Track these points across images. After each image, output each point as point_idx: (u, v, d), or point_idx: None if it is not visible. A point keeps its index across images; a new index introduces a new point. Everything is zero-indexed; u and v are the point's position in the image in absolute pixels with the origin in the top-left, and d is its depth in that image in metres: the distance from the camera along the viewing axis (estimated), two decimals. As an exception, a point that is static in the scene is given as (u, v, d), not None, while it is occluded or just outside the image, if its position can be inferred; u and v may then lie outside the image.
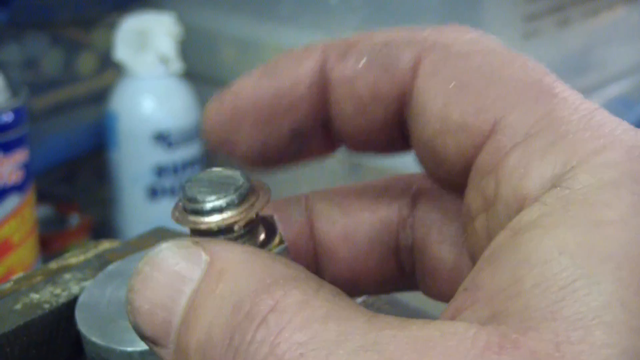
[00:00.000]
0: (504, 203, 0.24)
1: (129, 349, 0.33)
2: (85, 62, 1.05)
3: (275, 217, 0.29)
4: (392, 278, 0.32)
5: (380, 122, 0.29)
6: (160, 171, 0.98)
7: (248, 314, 0.23)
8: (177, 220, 0.27)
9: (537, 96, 0.25)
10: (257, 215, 0.27)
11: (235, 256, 0.25)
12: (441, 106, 0.26)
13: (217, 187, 0.27)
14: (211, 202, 0.27)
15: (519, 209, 0.24)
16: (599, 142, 0.24)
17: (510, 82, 0.26)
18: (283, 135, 0.30)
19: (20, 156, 0.81)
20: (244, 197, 0.27)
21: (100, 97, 1.02)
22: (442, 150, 0.27)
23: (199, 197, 0.27)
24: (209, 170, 0.28)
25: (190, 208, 0.27)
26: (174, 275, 0.25)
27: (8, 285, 0.38)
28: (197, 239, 0.26)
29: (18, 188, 0.82)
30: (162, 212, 0.99)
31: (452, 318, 0.23)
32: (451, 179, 0.28)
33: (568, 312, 0.20)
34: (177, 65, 0.99)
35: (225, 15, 1.08)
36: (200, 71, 1.08)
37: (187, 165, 1.00)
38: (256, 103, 0.30)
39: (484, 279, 0.22)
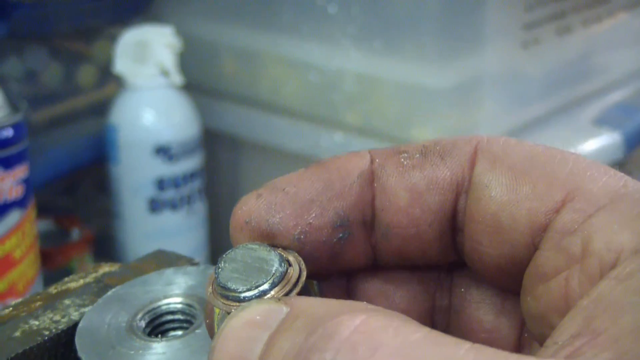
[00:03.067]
0: (598, 257, 0.26)
1: (129, 376, 0.33)
2: (86, 75, 1.05)
3: (316, 285, 0.29)
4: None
5: (434, 212, 0.30)
6: (161, 184, 0.98)
7: (324, 336, 0.23)
8: (210, 299, 0.27)
9: (609, 173, 0.28)
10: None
11: (314, 301, 0.25)
12: (509, 181, 0.29)
13: (251, 274, 0.27)
14: (243, 293, 0.27)
15: (614, 261, 0.25)
16: None
17: (577, 163, 0.28)
18: (326, 225, 0.30)
19: (20, 171, 0.81)
20: (277, 284, 0.27)
21: (101, 109, 1.02)
22: (508, 221, 0.28)
23: (232, 285, 0.27)
24: (245, 247, 0.28)
25: (223, 294, 0.27)
26: (254, 326, 0.25)
27: (7, 310, 0.37)
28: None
29: (19, 203, 0.81)
30: (163, 224, 0.99)
31: None
32: (512, 253, 0.29)
33: None
34: (177, 77, 0.99)
35: (224, 27, 1.07)
36: (200, 82, 1.08)
37: (188, 177, 0.99)
38: (300, 191, 0.30)
39: (603, 324, 0.23)
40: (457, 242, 0.31)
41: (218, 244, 1.08)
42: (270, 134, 1.03)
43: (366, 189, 0.30)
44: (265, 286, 0.27)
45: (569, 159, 0.29)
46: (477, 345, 0.22)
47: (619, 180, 0.28)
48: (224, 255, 0.28)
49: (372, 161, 0.30)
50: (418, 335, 0.23)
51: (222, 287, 0.27)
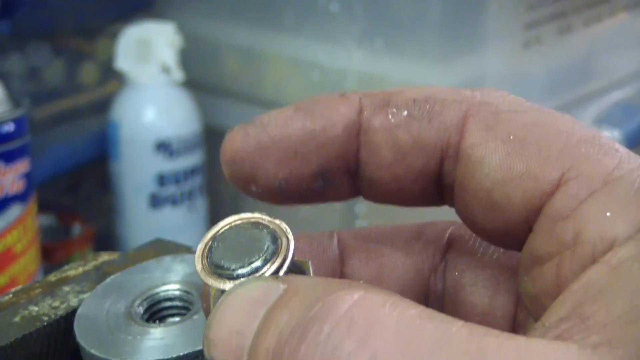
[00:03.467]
0: (591, 244, 0.26)
1: (127, 361, 0.33)
2: (88, 72, 1.05)
3: (310, 264, 0.29)
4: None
5: (417, 172, 0.30)
6: (163, 180, 0.98)
7: (323, 309, 0.23)
8: (202, 276, 0.28)
9: (603, 150, 0.27)
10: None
11: (312, 279, 0.26)
12: (503, 157, 0.28)
13: (243, 251, 0.27)
14: (236, 271, 0.27)
15: (607, 249, 0.25)
16: None
17: (571, 136, 0.28)
18: (308, 174, 0.30)
19: (22, 166, 0.81)
20: (268, 262, 0.27)
21: (103, 106, 1.02)
22: (502, 201, 0.28)
23: (225, 263, 0.27)
24: (236, 223, 0.28)
25: (216, 272, 0.27)
26: (251, 302, 0.25)
27: (7, 297, 0.38)
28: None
29: (20, 198, 0.82)
30: (165, 220, 0.99)
31: None
32: (506, 229, 0.29)
33: None
34: (178, 74, 0.99)
35: (226, 24, 1.08)
36: (201, 80, 1.08)
37: (188, 173, 1.00)
38: (285, 139, 0.30)
39: (592, 309, 0.24)
40: (447, 199, 0.31)
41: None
42: (272, 131, 1.03)
43: (351, 140, 0.30)
44: (258, 263, 0.27)
45: (562, 131, 0.28)
46: (470, 323, 0.23)
47: (613, 158, 0.27)
48: (215, 234, 0.28)
49: (360, 111, 0.30)
50: (414, 311, 0.23)
51: (215, 265, 0.27)
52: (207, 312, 0.30)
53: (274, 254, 0.27)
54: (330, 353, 0.23)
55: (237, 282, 0.27)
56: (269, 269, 0.27)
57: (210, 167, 1.05)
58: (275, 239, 0.28)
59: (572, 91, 1.08)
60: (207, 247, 0.28)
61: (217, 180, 1.10)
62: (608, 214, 0.26)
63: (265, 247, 0.27)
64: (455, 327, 0.22)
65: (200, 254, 0.28)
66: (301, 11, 1.00)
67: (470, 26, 0.94)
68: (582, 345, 0.23)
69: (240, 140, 0.30)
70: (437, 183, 0.30)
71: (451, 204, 0.31)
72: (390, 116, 0.30)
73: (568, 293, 0.25)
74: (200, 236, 0.95)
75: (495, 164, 0.28)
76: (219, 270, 0.27)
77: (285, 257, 0.27)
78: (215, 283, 0.27)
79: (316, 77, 1.00)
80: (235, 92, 1.07)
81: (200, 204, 1.02)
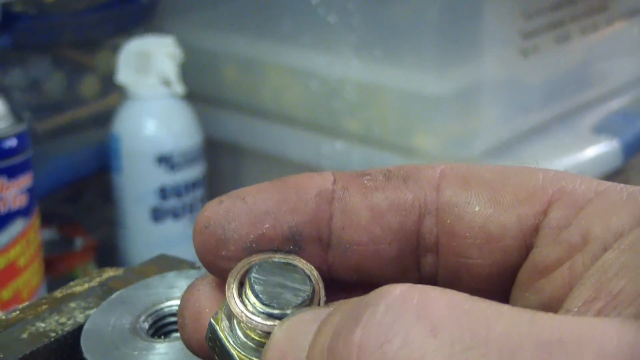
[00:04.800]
0: (600, 240, 0.27)
1: (133, 376, 0.33)
2: (88, 85, 1.05)
3: (321, 286, 0.30)
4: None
5: (395, 232, 0.31)
6: (164, 194, 0.99)
7: (375, 297, 0.24)
8: (240, 315, 0.28)
9: (579, 177, 0.30)
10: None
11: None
12: (488, 196, 0.30)
13: (281, 291, 0.28)
14: (280, 310, 0.28)
15: (617, 239, 0.27)
16: None
17: (546, 173, 0.30)
18: (279, 236, 0.30)
19: (24, 181, 0.82)
20: (311, 297, 0.29)
21: (104, 119, 1.03)
22: (497, 230, 0.30)
23: (268, 303, 0.28)
24: (264, 269, 0.29)
25: (263, 312, 0.28)
26: (302, 323, 0.26)
27: (14, 314, 0.38)
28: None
29: (23, 212, 0.82)
30: (166, 233, 1.00)
31: None
32: (504, 257, 0.30)
33: None
34: (179, 87, 0.99)
35: (225, 36, 1.08)
36: (201, 92, 1.09)
37: (189, 186, 1.00)
38: (258, 202, 0.31)
39: (619, 285, 0.25)
40: (424, 264, 0.31)
41: (220, 252, 1.08)
42: (272, 142, 1.04)
43: (324, 207, 0.31)
44: (302, 300, 0.28)
45: (536, 171, 0.30)
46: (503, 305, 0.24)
47: (592, 181, 0.29)
48: (244, 273, 0.29)
49: (334, 182, 0.31)
50: (463, 294, 0.24)
51: (263, 304, 0.28)
52: (182, 328, 0.31)
53: (313, 291, 0.29)
54: (387, 331, 0.23)
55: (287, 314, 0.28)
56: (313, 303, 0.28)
57: (211, 179, 1.05)
58: (306, 278, 0.29)
59: (570, 99, 1.08)
60: (236, 288, 0.29)
61: (218, 193, 1.10)
62: (610, 210, 0.27)
63: (305, 284, 0.29)
64: (506, 306, 0.23)
65: (233, 294, 0.29)
66: (299, 21, 1.01)
67: (467, 35, 0.95)
68: (623, 317, 0.23)
69: (213, 208, 0.31)
70: (414, 244, 0.31)
71: (430, 268, 0.31)
72: (365, 181, 0.31)
73: (585, 280, 0.26)
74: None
75: (483, 202, 0.30)
76: (267, 310, 0.28)
77: (322, 291, 0.29)
78: (264, 326, 0.28)
79: (315, 86, 1.00)
80: (234, 102, 1.08)
81: (202, 216, 1.02)
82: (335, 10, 0.97)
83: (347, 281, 0.32)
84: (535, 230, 0.29)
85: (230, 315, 0.29)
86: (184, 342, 0.31)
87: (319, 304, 0.29)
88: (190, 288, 0.31)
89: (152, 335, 0.36)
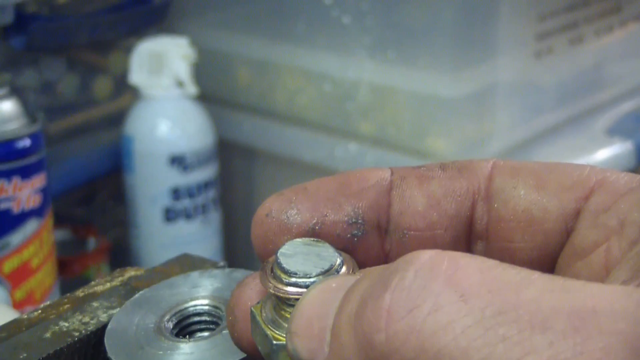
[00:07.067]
0: (637, 226, 0.27)
1: (158, 376, 0.33)
2: (101, 86, 1.05)
3: (353, 261, 0.30)
4: None
5: (450, 217, 0.31)
6: (177, 194, 0.99)
7: (403, 263, 0.23)
8: (268, 287, 0.28)
9: (619, 172, 0.30)
10: None
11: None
12: (534, 183, 0.31)
13: (311, 262, 0.28)
14: (310, 278, 0.28)
15: None
16: None
17: (590, 168, 0.31)
18: (343, 219, 0.31)
19: (38, 181, 0.82)
20: (340, 266, 0.29)
21: (117, 120, 1.03)
22: (540, 214, 0.30)
23: (297, 271, 0.28)
24: (294, 243, 0.29)
25: (289, 282, 0.28)
26: (329, 290, 0.26)
27: (36, 313, 0.38)
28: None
29: (36, 212, 0.82)
30: (179, 234, 1.00)
31: None
32: (545, 240, 0.31)
33: None
34: (192, 88, 0.99)
35: (239, 38, 1.08)
36: (215, 93, 1.09)
37: (202, 187, 1.00)
38: (321, 188, 0.31)
39: None
40: (474, 252, 0.32)
41: (233, 253, 1.08)
42: (285, 144, 1.04)
43: (382, 195, 0.31)
44: (330, 267, 0.28)
45: (585, 166, 0.31)
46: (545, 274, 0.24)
47: (635, 175, 0.30)
48: (277, 254, 0.29)
49: (392, 173, 0.32)
50: (493, 261, 0.23)
51: (288, 274, 0.28)
52: (232, 325, 0.31)
53: (342, 263, 0.28)
54: (416, 296, 0.23)
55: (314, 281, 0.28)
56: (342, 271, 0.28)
57: (224, 181, 1.05)
58: (336, 252, 0.29)
59: (583, 101, 1.08)
60: (271, 266, 0.29)
61: (230, 194, 1.10)
62: None
63: (333, 256, 0.28)
64: (536, 273, 0.23)
65: (265, 272, 0.29)
66: (313, 23, 1.00)
67: (481, 36, 0.94)
68: None
69: (274, 198, 0.31)
70: (468, 230, 0.32)
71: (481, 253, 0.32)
72: (422, 172, 0.32)
73: (624, 261, 0.26)
74: (214, 249, 0.95)
75: (529, 187, 0.31)
76: (292, 279, 0.28)
77: (354, 263, 0.29)
78: (291, 289, 0.28)
79: (328, 88, 1.00)
80: (248, 104, 1.08)
81: (214, 217, 1.02)
82: (349, 12, 0.97)
83: None
84: (576, 215, 0.30)
85: (267, 300, 0.29)
86: (234, 341, 0.31)
87: (354, 266, 0.29)
88: (240, 285, 0.31)
89: (177, 335, 0.36)
